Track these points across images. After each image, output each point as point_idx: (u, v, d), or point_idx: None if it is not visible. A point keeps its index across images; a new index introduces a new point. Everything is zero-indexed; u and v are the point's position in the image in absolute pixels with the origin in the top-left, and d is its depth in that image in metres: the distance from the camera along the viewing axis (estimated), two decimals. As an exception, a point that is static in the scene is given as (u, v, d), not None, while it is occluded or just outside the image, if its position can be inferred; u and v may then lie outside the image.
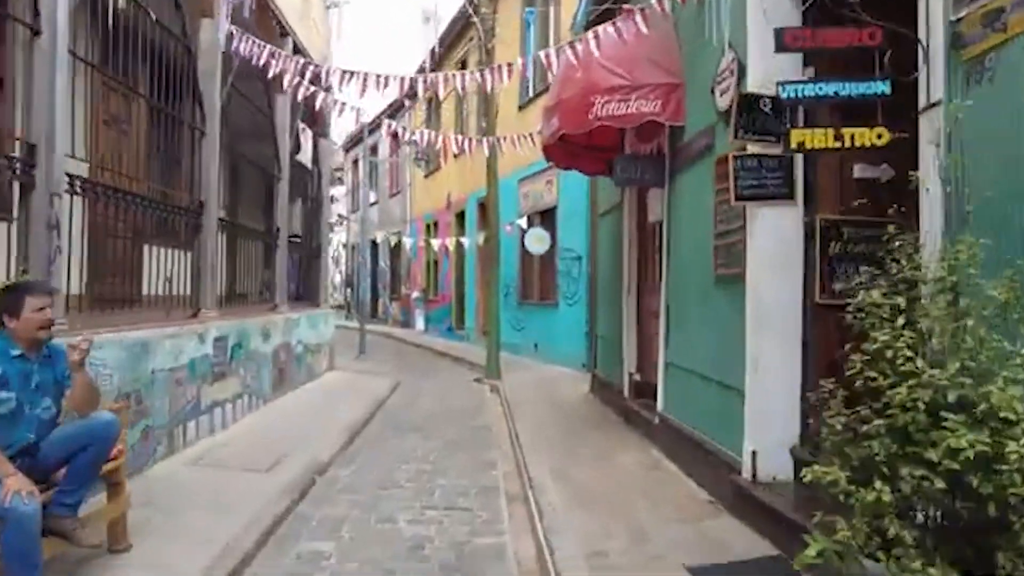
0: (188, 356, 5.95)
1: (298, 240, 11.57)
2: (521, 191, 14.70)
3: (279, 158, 9.17)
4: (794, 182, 4.11)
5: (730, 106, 4.58)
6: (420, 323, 21.22)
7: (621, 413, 7.38)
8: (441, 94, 6.71)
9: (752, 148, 4.19)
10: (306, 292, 11.44)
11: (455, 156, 18.75)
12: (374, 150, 26.52)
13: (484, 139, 8.66)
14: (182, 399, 5.82)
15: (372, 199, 28.48)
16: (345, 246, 32.82)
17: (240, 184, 9.59)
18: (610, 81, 5.65)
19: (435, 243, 15.13)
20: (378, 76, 5.90)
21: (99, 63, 5.32)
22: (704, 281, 5.05)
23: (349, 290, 32.10)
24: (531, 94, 14.15)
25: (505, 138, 8.36)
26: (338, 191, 32.82)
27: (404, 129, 7.90)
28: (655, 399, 6.29)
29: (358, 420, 7.63)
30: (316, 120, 11.44)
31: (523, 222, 13.63)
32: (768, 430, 4.11)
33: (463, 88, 5.86)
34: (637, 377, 7.17)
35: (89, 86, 5.20)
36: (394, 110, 24.52)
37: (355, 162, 28.43)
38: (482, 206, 16.40)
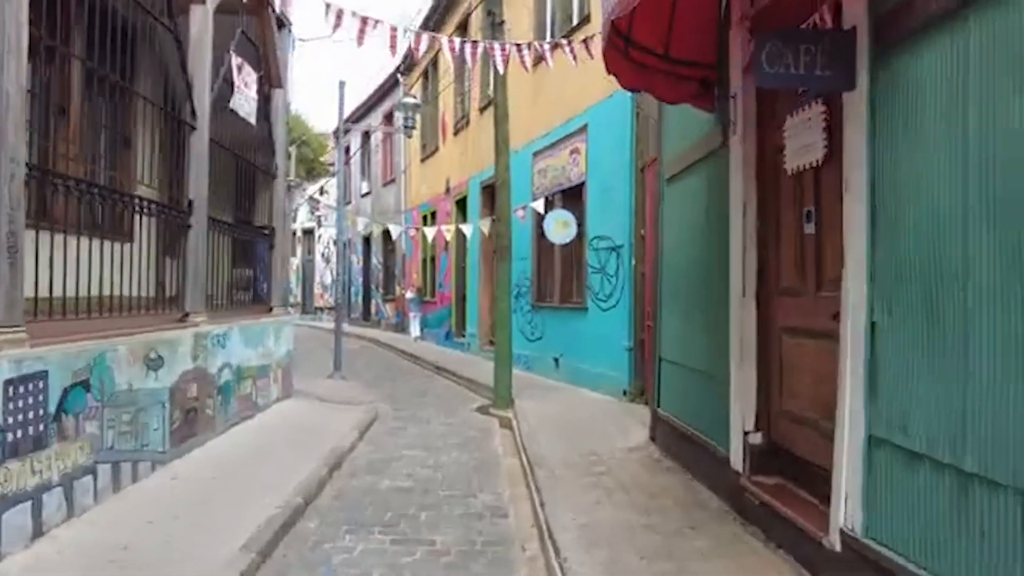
0: (-77, 422, 3.04)
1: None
2: (536, 167, 11.74)
3: (192, 99, 6.24)
4: None
5: None
6: (415, 328, 18.27)
7: (728, 496, 4.42)
8: None
9: None
10: (251, 292, 8.54)
11: (458, 121, 15.83)
12: (366, 136, 23.70)
13: (496, 44, 5.60)
14: (-102, 512, 2.91)
15: (364, 190, 25.59)
16: (336, 242, 29.87)
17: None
18: None
19: (429, 232, 12.17)
20: None
21: None
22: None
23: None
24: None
25: (529, 45, 5.38)
26: (326, 183, 29.95)
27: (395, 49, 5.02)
28: (819, 495, 3.36)
29: (294, 500, 4.69)
30: (268, 63, 8.54)
31: (539, 205, 10.66)
32: None
33: None
34: (757, 440, 4.22)
35: None
36: (388, 87, 21.80)
37: (347, 149, 25.49)
38: (487, 188, 13.46)
